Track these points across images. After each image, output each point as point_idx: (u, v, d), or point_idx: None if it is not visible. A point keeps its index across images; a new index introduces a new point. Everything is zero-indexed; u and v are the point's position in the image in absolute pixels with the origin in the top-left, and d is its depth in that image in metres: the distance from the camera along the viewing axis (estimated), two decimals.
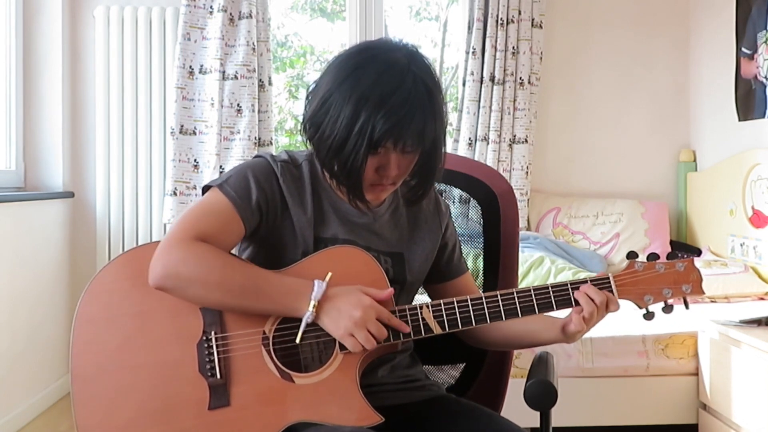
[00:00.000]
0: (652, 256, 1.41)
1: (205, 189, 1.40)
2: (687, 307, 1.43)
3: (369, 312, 1.29)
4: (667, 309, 1.40)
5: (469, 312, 1.36)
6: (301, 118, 1.39)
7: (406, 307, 1.36)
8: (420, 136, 1.30)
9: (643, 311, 1.40)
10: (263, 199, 1.37)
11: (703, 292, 1.40)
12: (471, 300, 1.37)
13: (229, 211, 1.34)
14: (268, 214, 1.38)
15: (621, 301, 1.40)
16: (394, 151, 1.31)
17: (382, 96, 1.27)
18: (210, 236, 1.32)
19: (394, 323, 1.32)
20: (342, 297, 1.30)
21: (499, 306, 1.36)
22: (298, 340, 1.31)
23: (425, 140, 1.31)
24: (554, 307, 1.37)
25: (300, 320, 1.30)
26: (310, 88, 1.39)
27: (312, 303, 1.28)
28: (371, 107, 1.27)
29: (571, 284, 1.38)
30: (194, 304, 1.33)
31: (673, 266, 1.40)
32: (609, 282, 1.39)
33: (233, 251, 1.41)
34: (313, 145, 1.37)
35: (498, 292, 1.37)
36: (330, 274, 1.31)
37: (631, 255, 1.41)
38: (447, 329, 1.36)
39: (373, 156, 1.31)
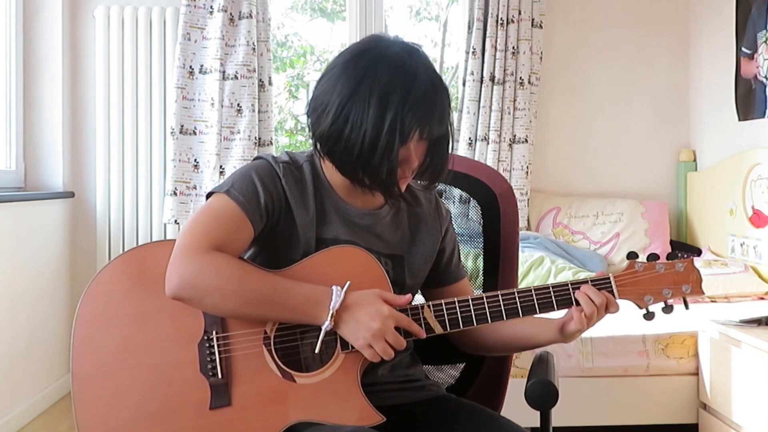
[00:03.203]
0: (652, 257, 1.41)
1: (210, 195, 1.39)
2: (687, 307, 1.43)
3: (387, 322, 1.29)
4: (667, 309, 1.40)
5: (470, 311, 1.36)
6: (312, 135, 1.38)
7: (407, 307, 1.36)
8: (442, 120, 1.35)
9: (644, 311, 1.40)
10: (270, 200, 1.37)
11: (703, 293, 1.41)
12: (472, 300, 1.37)
13: (239, 216, 1.34)
14: (274, 215, 1.39)
15: (621, 301, 1.40)
16: (419, 141, 1.34)
17: (404, 91, 1.30)
18: (224, 244, 1.32)
19: (413, 329, 1.33)
20: (361, 307, 1.29)
21: (500, 305, 1.37)
22: (317, 350, 1.31)
23: (447, 121, 1.36)
24: (555, 306, 1.38)
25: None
26: (313, 102, 1.37)
27: (330, 313, 1.28)
28: (396, 103, 1.29)
29: (572, 284, 1.39)
30: (212, 313, 1.33)
31: (672, 266, 1.40)
32: (609, 282, 1.39)
33: None
34: (334, 158, 1.36)
35: (499, 292, 1.38)
36: (349, 282, 1.31)
37: (632, 255, 1.41)
38: (448, 329, 1.36)
39: (402, 149, 1.33)
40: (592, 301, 1.37)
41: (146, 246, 1.41)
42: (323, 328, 1.29)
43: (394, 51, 1.33)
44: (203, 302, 1.30)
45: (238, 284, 1.29)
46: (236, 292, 1.29)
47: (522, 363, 2.60)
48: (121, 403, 1.32)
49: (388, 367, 1.46)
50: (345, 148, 1.33)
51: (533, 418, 1.52)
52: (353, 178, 1.37)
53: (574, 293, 1.38)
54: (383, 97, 1.29)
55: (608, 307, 1.38)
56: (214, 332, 1.33)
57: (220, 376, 1.32)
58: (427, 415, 1.45)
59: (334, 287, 1.30)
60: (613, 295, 1.39)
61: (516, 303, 1.37)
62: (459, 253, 1.59)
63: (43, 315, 3.31)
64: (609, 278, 1.40)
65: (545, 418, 1.52)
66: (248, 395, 1.32)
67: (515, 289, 1.38)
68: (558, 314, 1.41)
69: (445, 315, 1.36)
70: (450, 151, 1.41)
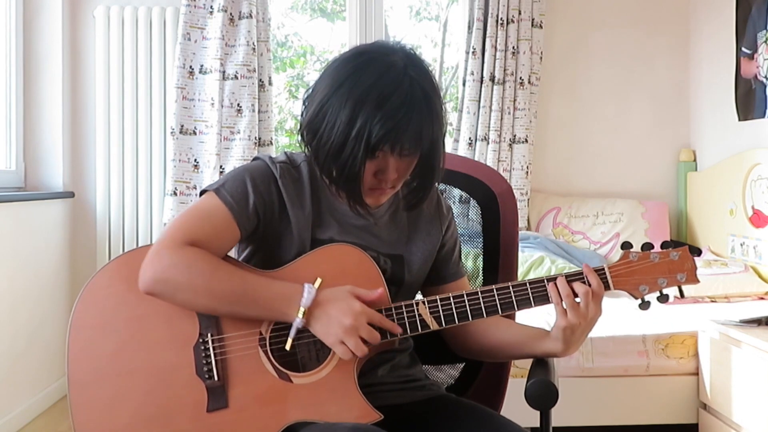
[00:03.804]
0: (647, 246, 1.40)
1: (202, 193, 1.39)
2: (682, 295, 1.42)
3: (360, 318, 1.28)
4: (663, 298, 1.39)
5: (465, 306, 1.36)
6: (299, 123, 1.39)
7: (402, 303, 1.35)
8: (417, 139, 1.30)
9: (639, 301, 1.40)
10: (260, 203, 1.37)
11: (698, 281, 1.39)
12: (467, 295, 1.36)
13: (225, 216, 1.34)
14: (266, 217, 1.38)
15: (617, 298, 1.39)
16: (392, 155, 1.31)
17: (378, 100, 1.27)
18: (202, 242, 1.31)
19: (386, 325, 1.32)
20: (332, 303, 1.29)
21: (495, 299, 1.36)
22: (288, 347, 1.30)
23: (423, 143, 1.31)
24: (550, 299, 1.37)
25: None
26: (307, 93, 1.38)
27: (301, 310, 1.28)
28: (368, 111, 1.27)
29: (566, 276, 1.38)
30: (186, 308, 1.33)
31: (667, 255, 1.39)
32: (604, 273, 1.39)
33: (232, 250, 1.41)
34: (311, 150, 1.37)
35: (494, 286, 1.37)
36: (320, 279, 1.31)
37: (626, 245, 1.40)
38: (443, 324, 1.36)
39: (371, 160, 1.31)
40: (561, 299, 1.35)
41: (138, 250, 1.42)
42: (294, 324, 1.28)
43: (390, 59, 1.31)
44: (175, 298, 1.30)
45: (209, 280, 1.28)
46: (206, 287, 1.28)
47: (522, 363, 2.59)
48: (118, 408, 1.32)
49: (387, 367, 1.46)
50: (318, 143, 1.33)
51: (533, 418, 1.51)
52: (325, 175, 1.37)
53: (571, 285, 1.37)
54: (357, 104, 1.27)
55: (593, 296, 1.35)
56: (209, 335, 1.33)
57: (216, 378, 1.31)
58: (427, 414, 1.45)
59: (305, 284, 1.30)
60: (608, 285, 1.38)
61: (511, 296, 1.36)
62: (460, 252, 1.58)
63: (43, 315, 3.31)
64: (603, 269, 1.39)
65: (545, 418, 1.51)
66: (245, 397, 1.31)
67: (510, 283, 1.38)
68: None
69: (440, 311, 1.36)
70: (435, 172, 1.38)
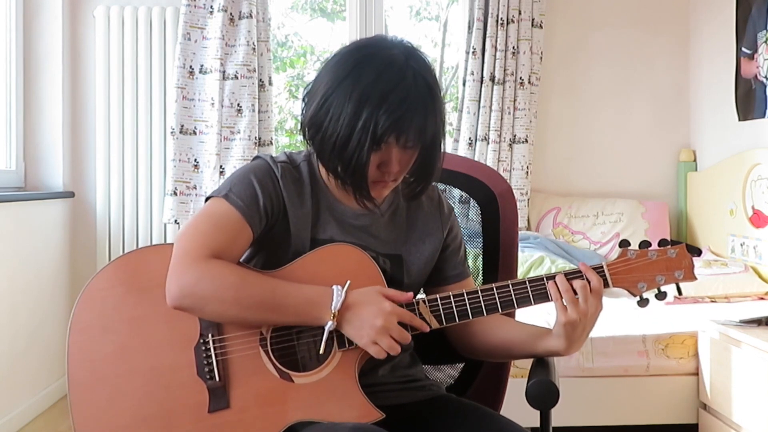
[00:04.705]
0: (644, 244, 1.40)
1: (208, 199, 1.39)
2: (680, 293, 1.43)
3: (391, 318, 1.29)
4: (661, 296, 1.40)
5: (465, 305, 1.36)
6: (300, 120, 1.39)
7: (403, 303, 1.35)
8: (421, 131, 1.31)
9: (637, 299, 1.40)
10: (269, 203, 1.37)
11: (695, 278, 1.40)
12: (467, 293, 1.37)
13: (239, 222, 1.34)
14: (272, 218, 1.39)
15: (616, 299, 1.40)
16: (396, 147, 1.32)
17: (383, 93, 1.28)
18: (223, 251, 1.32)
19: (416, 323, 1.33)
20: (363, 305, 1.30)
21: (495, 298, 1.37)
22: (321, 351, 1.31)
23: (426, 135, 1.32)
24: (550, 297, 1.37)
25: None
26: (307, 89, 1.39)
27: (332, 313, 1.28)
28: (373, 104, 1.28)
29: (566, 274, 1.38)
30: (214, 321, 1.33)
31: (665, 253, 1.40)
32: (603, 271, 1.39)
33: None
34: (314, 146, 1.37)
35: (494, 285, 1.38)
36: (349, 282, 1.31)
37: (624, 243, 1.41)
38: (444, 323, 1.36)
39: (375, 152, 1.32)
40: (560, 295, 1.36)
41: (138, 251, 1.41)
42: (326, 328, 1.29)
43: (391, 53, 1.32)
44: (204, 311, 1.30)
45: (237, 291, 1.29)
46: (236, 299, 1.29)
47: (522, 363, 2.59)
48: (118, 409, 1.32)
49: (388, 367, 1.46)
50: (323, 139, 1.33)
51: (533, 418, 1.51)
52: (330, 170, 1.37)
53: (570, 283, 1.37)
54: (362, 96, 1.28)
55: (592, 293, 1.36)
56: (210, 335, 1.33)
57: (217, 378, 1.31)
58: (427, 414, 1.45)
59: (334, 287, 1.30)
60: (607, 283, 1.38)
61: (511, 294, 1.37)
62: (464, 252, 1.58)
63: (43, 315, 3.31)
64: (602, 267, 1.39)
65: (545, 418, 1.51)
66: (246, 397, 1.32)
67: (510, 281, 1.38)
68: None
69: (441, 310, 1.36)
70: (436, 165, 1.39)
